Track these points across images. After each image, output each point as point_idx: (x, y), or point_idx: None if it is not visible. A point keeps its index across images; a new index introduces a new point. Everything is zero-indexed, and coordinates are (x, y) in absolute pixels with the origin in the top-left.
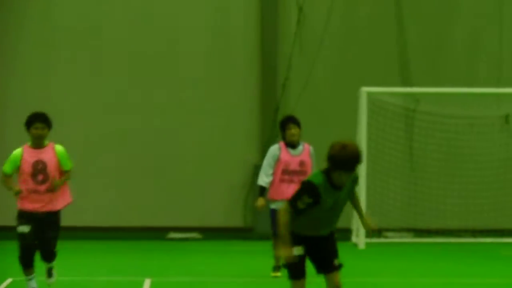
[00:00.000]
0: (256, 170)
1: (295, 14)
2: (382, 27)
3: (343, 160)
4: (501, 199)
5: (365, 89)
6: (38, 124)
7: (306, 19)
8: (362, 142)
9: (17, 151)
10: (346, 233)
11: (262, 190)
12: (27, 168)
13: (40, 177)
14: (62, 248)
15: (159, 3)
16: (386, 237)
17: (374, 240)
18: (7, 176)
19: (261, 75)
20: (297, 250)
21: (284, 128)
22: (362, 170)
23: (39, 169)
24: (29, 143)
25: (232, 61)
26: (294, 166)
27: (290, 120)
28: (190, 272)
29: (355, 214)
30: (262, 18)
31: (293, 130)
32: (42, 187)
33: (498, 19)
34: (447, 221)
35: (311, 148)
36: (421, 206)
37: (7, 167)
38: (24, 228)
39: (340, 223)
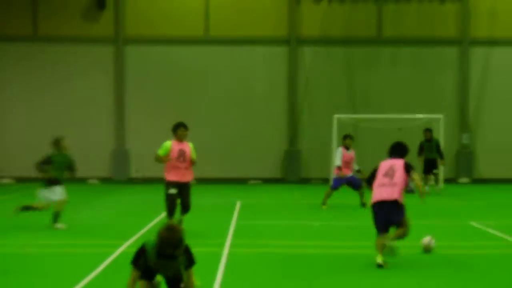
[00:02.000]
0: (285, 153)
1: (304, 80)
2: (341, 83)
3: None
4: None
5: (336, 116)
6: (182, 128)
7: (309, 83)
8: (333, 145)
9: (170, 142)
10: None
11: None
12: (174, 153)
13: (181, 159)
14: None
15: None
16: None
17: None
18: (161, 157)
19: (288, 110)
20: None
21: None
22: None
23: (180, 154)
24: (174, 139)
25: (276, 102)
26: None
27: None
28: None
29: None
30: (289, 83)
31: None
32: (182, 165)
33: (395, 84)
34: None
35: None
36: None
37: (162, 152)
38: (173, 190)
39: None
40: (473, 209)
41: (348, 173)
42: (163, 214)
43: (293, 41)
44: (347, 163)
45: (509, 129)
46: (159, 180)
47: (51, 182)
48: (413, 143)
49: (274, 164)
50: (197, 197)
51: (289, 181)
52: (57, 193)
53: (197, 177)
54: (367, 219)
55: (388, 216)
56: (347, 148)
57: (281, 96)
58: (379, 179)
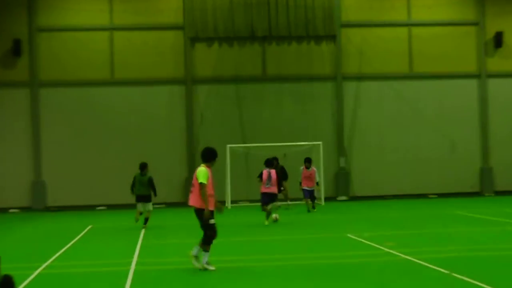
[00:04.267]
0: (186, 181)
1: (199, 117)
2: (233, 117)
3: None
4: None
5: (228, 146)
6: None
7: (204, 119)
8: (228, 174)
9: (206, 168)
10: None
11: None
12: (210, 180)
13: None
14: None
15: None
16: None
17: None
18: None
19: (187, 142)
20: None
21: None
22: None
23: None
24: (203, 164)
25: (174, 135)
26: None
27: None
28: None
29: None
30: (187, 119)
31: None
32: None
33: (281, 116)
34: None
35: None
36: None
37: (206, 180)
38: (214, 221)
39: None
40: (349, 223)
41: (311, 185)
42: (74, 241)
43: (189, 81)
44: (308, 178)
45: (377, 151)
46: (73, 208)
47: None
48: (297, 165)
49: (176, 190)
50: (112, 220)
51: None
52: None
53: (115, 203)
54: (269, 235)
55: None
56: (307, 167)
57: (180, 129)
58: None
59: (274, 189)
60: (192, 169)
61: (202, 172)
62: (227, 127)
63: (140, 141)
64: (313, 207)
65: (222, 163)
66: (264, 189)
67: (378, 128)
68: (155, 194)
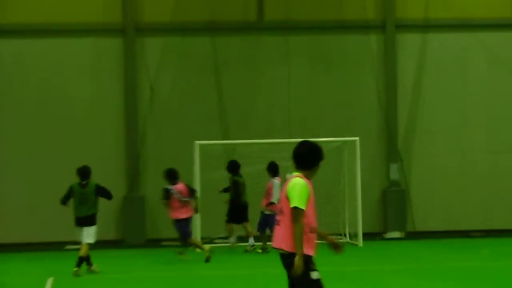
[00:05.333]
0: (124, 201)
1: (148, 92)
2: (208, 98)
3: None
4: None
5: (198, 142)
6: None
7: (155, 95)
8: (197, 178)
9: (305, 182)
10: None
11: None
12: (313, 202)
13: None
14: None
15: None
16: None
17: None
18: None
19: (126, 134)
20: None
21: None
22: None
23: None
24: (299, 173)
25: (105, 125)
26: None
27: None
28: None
29: None
30: (126, 95)
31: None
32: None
33: (286, 91)
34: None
35: (273, 181)
36: None
37: (305, 204)
38: (318, 274)
39: None
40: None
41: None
42: None
43: (130, 29)
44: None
45: (457, 155)
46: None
47: None
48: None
49: (108, 219)
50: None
51: (130, 244)
52: None
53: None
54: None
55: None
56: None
57: (115, 115)
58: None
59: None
60: (134, 182)
61: (299, 188)
62: (196, 111)
63: (43, 135)
64: (263, 249)
65: (187, 170)
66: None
67: (458, 115)
68: (110, 197)
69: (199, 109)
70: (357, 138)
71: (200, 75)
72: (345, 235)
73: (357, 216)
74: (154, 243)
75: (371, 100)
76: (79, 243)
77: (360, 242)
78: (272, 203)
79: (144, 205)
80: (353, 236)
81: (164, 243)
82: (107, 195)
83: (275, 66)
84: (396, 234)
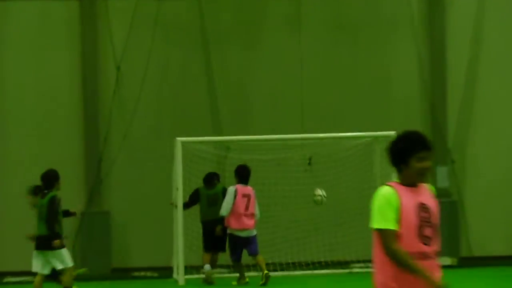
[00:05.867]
0: (83, 218)
1: (113, 73)
2: (194, 83)
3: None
4: (305, 233)
5: (179, 139)
6: (425, 152)
7: (124, 77)
8: (180, 187)
9: (390, 190)
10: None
11: None
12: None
13: (427, 232)
14: None
15: None
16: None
17: (194, 276)
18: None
19: (84, 130)
20: None
21: None
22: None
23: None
24: (397, 179)
25: (57, 118)
26: None
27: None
28: None
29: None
30: (84, 77)
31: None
32: (430, 249)
33: (299, 73)
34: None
35: (229, 188)
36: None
37: (391, 222)
38: None
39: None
40: None
41: (248, 225)
42: None
43: None
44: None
45: None
46: None
47: None
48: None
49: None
50: None
51: (90, 275)
52: None
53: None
54: None
55: None
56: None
57: (68, 104)
58: None
59: (251, 223)
60: (97, 194)
61: (377, 201)
62: (178, 99)
63: None
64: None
65: (166, 175)
66: (238, 223)
67: None
68: (52, 224)
69: (181, 96)
70: (392, 133)
71: (183, 50)
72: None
73: None
74: (122, 273)
75: (411, 81)
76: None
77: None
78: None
79: (109, 224)
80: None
81: (135, 273)
82: (51, 215)
83: (282, 37)
84: (446, 261)
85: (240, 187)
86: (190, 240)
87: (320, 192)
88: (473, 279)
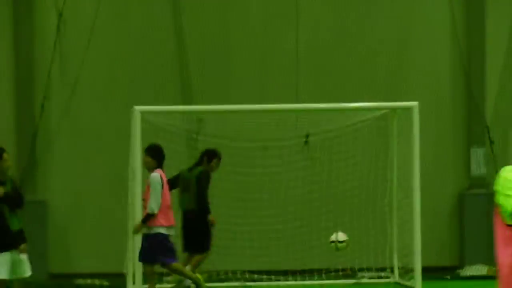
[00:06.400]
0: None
1: (54, 21)
2: (158, 38)
3: None
4: (303, 236)
5: (138, 108)
6: None
7: (67, 27)
8: (137, 168)
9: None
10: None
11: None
12: None
13: None
14: None
15: None
16: (168, 282)
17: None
18: None
19: (15, 96)
20: None
21: None
22: (136, 200)
23: None
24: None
25: None
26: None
27: (144, 150)
28: None
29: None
30: (15, 26)
31: (144, 159)
32: None
33: (293, 29)
34: (238, 264)
35: (152, 175)
36: None
37: None
38: None
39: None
40: None
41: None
42: None
43: None
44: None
45: None
46: None
47: None
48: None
49: None
50: None
51: (22, 282)
52: None
53: None
54: None
55: None
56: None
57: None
58: None
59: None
60: (31, 178)
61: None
62: (137, 59)
63: None
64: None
65: (125, 134)
66: (167, 218)
67: None
68: (20, 204)
69: (142, 54)
70: (415, 103)
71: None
72: (392, 270)
73: (414, 239)
74: (63, 280)
75: (439, 40)
76: None
77: (418, 284)
78: (149, 216)
79: (46, 217)
80: (407, 273)
81: (79, 280)
82: (17, 199)
83: None
84: (481, 270)
85: (161, 172)
86: None
87: (334, 237)
88: None
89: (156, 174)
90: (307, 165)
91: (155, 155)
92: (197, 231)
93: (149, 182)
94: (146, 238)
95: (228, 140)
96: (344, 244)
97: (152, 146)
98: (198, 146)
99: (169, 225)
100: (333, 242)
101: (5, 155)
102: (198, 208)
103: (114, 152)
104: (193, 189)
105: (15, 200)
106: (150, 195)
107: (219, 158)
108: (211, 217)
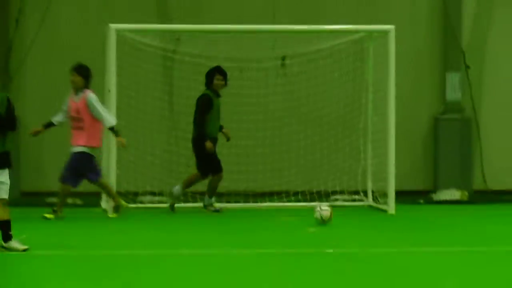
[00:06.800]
0: None
1: None
2: None
3: None
4: (280, 158)
5: (113, 26)
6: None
7: None
8: (112, 89)
9: None
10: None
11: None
12: None
13: None
14: None
15: None
16: (142, 202)
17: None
18: None
19: None
20: None
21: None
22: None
23: None
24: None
25: None
26: (73, 112)
27: (72, 68)
28: None
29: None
30: None
31: (71, 77)
32: None
33: None
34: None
35: (89, 95)
36: (181, 168)
37: None
38: None
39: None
40: None
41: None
42: None
43: None
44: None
45: None
46: None
47: None
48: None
49: None
50: None
51: None
52: None
53: None
54: None
55: None
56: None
57: None
58: None
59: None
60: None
61: None
62: None
63: None
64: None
65: (100, 53)
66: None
67: None
68: (14, 127)
69: None
70: (391, 27)
71: None
72: (365, 194)
73: (387, 162)
74: (34, 199)
75: None
76: None
77: (391, 207)
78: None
79: (19, 134)
80: (380, 196)
81: (52, 199)
82: (10, 119)
83: None
84: (454, 195)
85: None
86: (125, 157)
87: (319, 209)
88: (488, 219)
89: (93, 94)
90: (284, 88)
91: (86, 74)
92: (196, 157)
93: (85, 101)
94: (74, 156)
95: (204, 59)
96: (328, 213)
97: (82, 65)
98: (174, 66)
99: (94, 146)
100: (317, 212)
101: None
102: (196, 134)
103: (88, 64)
104: (194, 116)
105: (8, 122)
106: (96, 112)
107: (220, 73)
108: (207, 143)
